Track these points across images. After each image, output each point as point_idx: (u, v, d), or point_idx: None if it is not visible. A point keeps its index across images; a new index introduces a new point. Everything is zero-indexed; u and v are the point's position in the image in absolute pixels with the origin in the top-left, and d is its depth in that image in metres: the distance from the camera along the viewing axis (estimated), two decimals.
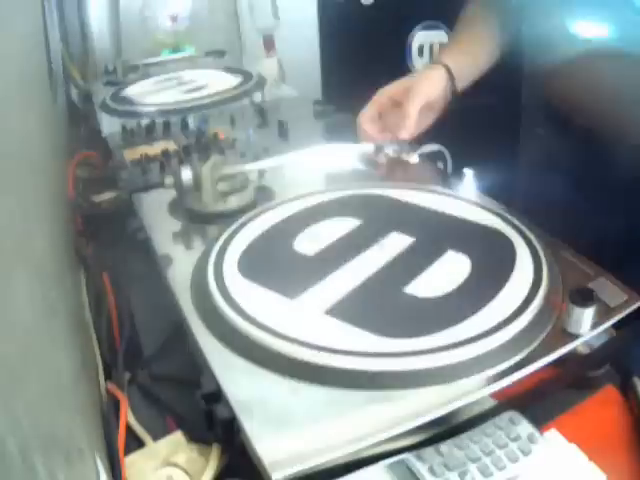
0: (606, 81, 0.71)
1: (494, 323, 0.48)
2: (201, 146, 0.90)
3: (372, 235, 0.62)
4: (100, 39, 1.47)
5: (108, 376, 0.57)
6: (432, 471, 0.40)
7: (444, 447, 0.42)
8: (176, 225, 0.71)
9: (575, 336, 0.48)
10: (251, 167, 0.75)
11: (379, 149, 0.80)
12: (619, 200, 0.75)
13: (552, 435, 0.44)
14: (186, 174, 0.70)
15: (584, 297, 0.48)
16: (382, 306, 0.53)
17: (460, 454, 0.41)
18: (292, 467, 0.38)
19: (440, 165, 0.81)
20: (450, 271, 0.56)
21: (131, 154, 0.90)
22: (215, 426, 0.44)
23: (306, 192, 0.73)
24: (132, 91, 1.23)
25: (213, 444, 0.46)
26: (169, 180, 0.71)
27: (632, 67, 0.67)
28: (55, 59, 1.06)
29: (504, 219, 0.64)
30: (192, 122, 1.01)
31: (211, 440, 0.46)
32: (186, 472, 0.45)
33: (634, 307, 0.51)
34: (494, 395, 0.45)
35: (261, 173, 0.77)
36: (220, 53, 1.52)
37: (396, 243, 0.61)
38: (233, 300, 0.53)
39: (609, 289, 0.53)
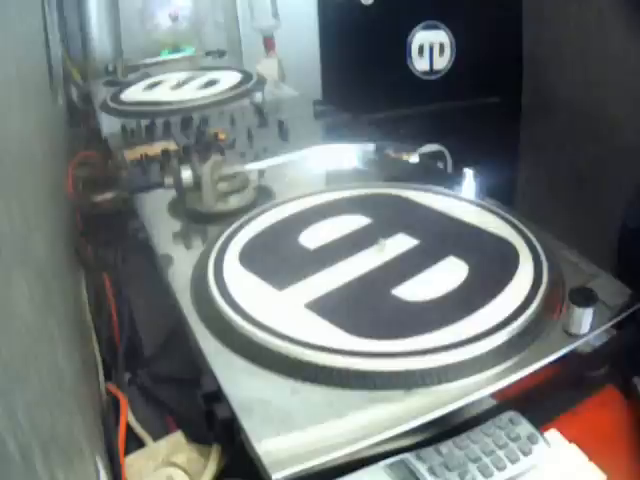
0: None
1: (494, 323, 0.48)
2: (201, 146, 0.90)
3: (379, 234, 0.61)
4: (100, 39, 1.47)
5: (108, 376, 0.57)
6: (432, 471, 0.40)
7: (444, 447, 0.42)
8: (176, 225, 0.71)
9: (575, 336, 0.48)
10: (251, 167, 0.75)
11: (379, 149, 0.80)
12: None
13: (552, 435, 0.44)
14: (186, 174, 0.70)
15: (584, 297, 0.48)
16: (367, 306, 0.52)
17: (460, 454, 0.41)
18: (292, 467, 0.38)
19: (440, 165, 0.81)
20: (446, 276, 0.55)
21: (131, 154, 0.90)
22: (215, 426, 0.44)
23: (317, 190, 0.72)
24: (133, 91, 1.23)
25: (213, 444, 0.46)
26: (169, 180, 0.71)
27: None
28: (55, 59, 1.06)
29: (505, 220, 0.64)
30: (192, 122, 1.01)
31: (211, 440, 0.46)
32: (186, 472, 0.45)
33: (634, 307, 0.51)
34: (494, 395, 0.45)
35: (261, 173, 0.77)
36: (220, 53, 1.52)
37: (399, 244, 0.61)
38: (233, 300, 0.53)
39: (609, 289, 0.53)
